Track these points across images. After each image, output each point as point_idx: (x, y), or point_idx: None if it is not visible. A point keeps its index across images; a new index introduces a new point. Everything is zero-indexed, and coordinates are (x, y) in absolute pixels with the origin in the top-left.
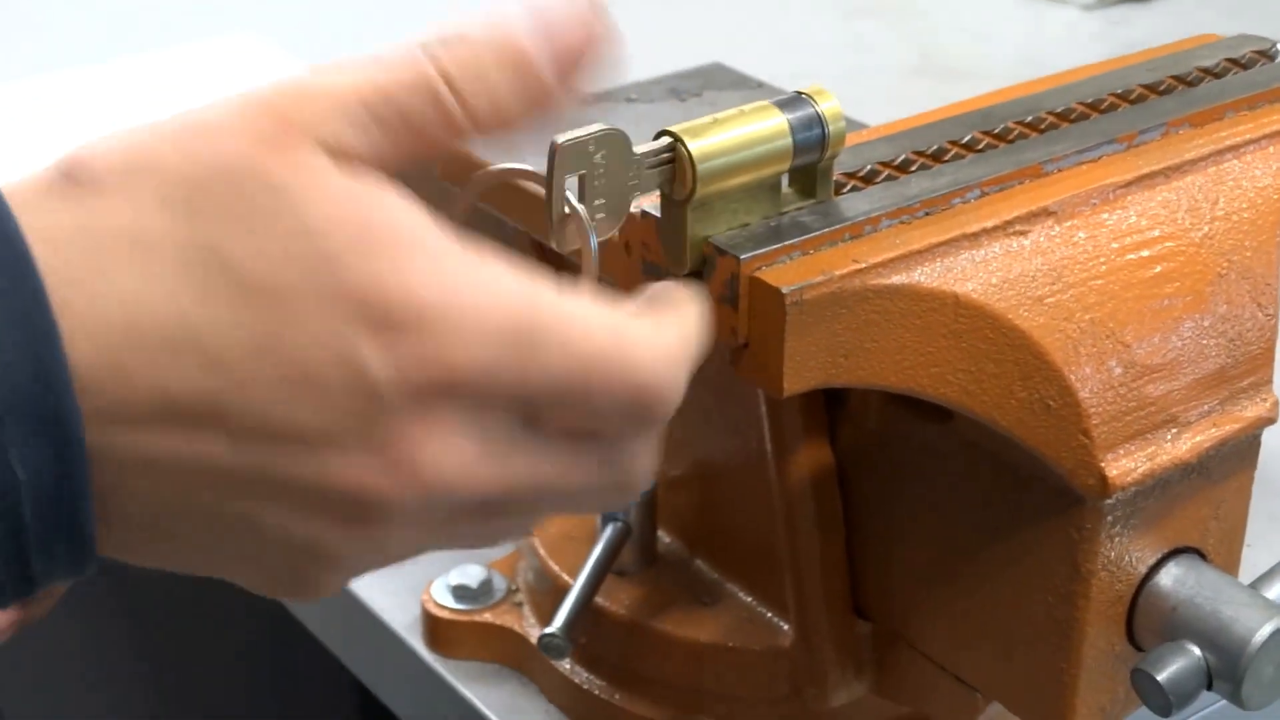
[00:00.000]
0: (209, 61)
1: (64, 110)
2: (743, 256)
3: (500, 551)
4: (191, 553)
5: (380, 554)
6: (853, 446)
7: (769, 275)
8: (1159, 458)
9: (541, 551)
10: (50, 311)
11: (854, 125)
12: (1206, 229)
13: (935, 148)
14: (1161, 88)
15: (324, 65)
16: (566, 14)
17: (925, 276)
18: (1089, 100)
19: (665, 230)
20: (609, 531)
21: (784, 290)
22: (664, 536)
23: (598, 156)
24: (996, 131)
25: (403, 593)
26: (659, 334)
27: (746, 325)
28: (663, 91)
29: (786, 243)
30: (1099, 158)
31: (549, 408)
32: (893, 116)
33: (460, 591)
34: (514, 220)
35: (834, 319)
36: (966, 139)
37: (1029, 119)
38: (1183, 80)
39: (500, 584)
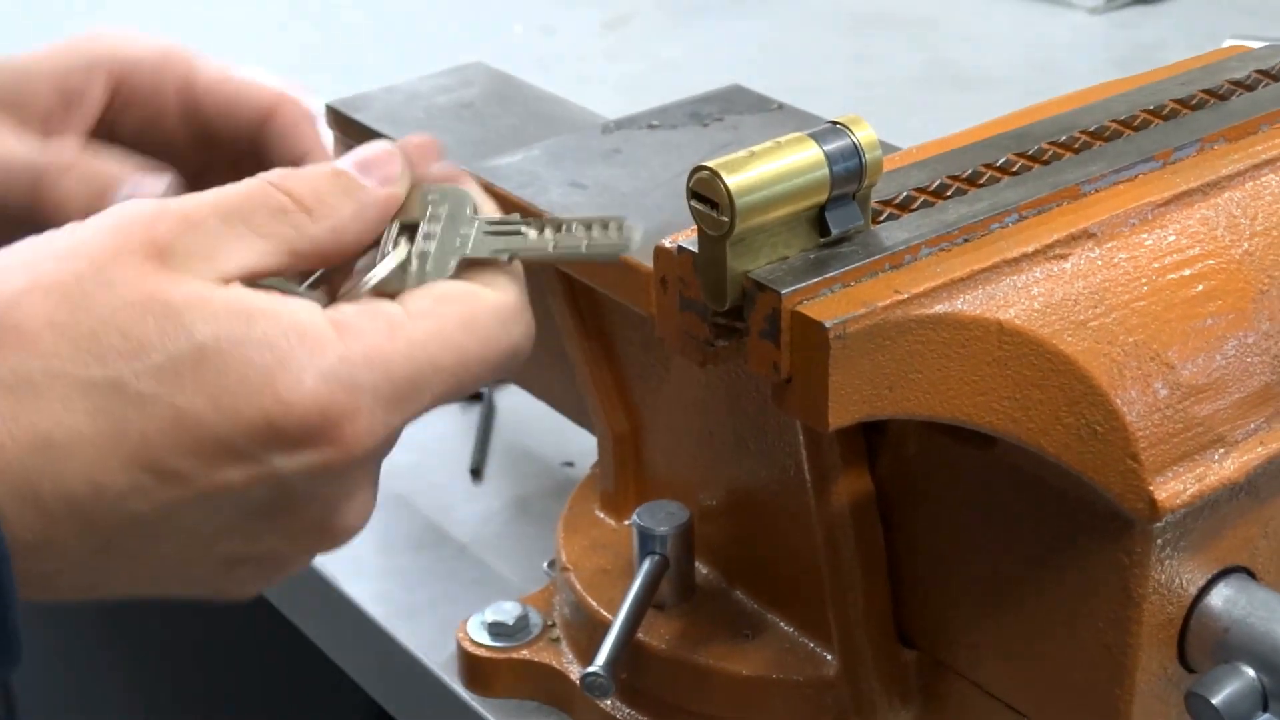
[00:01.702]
0: None
1: None
2: (784, 291)
3: (534, 586)
4: (124, 587)
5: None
6: (893, 473)
7: (811, 309)
8: (1207, 478)
9: (578, 586)
10: None
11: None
12: (1246, 245)
13: (970, 171)
14: (1194, 102)
15: (183, 196)
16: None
17: (967, 304)
18: (1122, 118)
19: (703, 266)
20: (647, 565)
21: (827, 324)
22: (701, 568)
23: (440, 209)
24: (1031, 153)
25: (437, 630)
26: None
27: (789, 360)
28: (684, 116)
29: (827, 275)
30: (1136, 176)
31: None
32: (903, 127)
33: (496, 629)
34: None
35: (877, 351)
36: (1001, 161)
37: (1063, 139)
38: (1215, 94)
39: (536, 620)
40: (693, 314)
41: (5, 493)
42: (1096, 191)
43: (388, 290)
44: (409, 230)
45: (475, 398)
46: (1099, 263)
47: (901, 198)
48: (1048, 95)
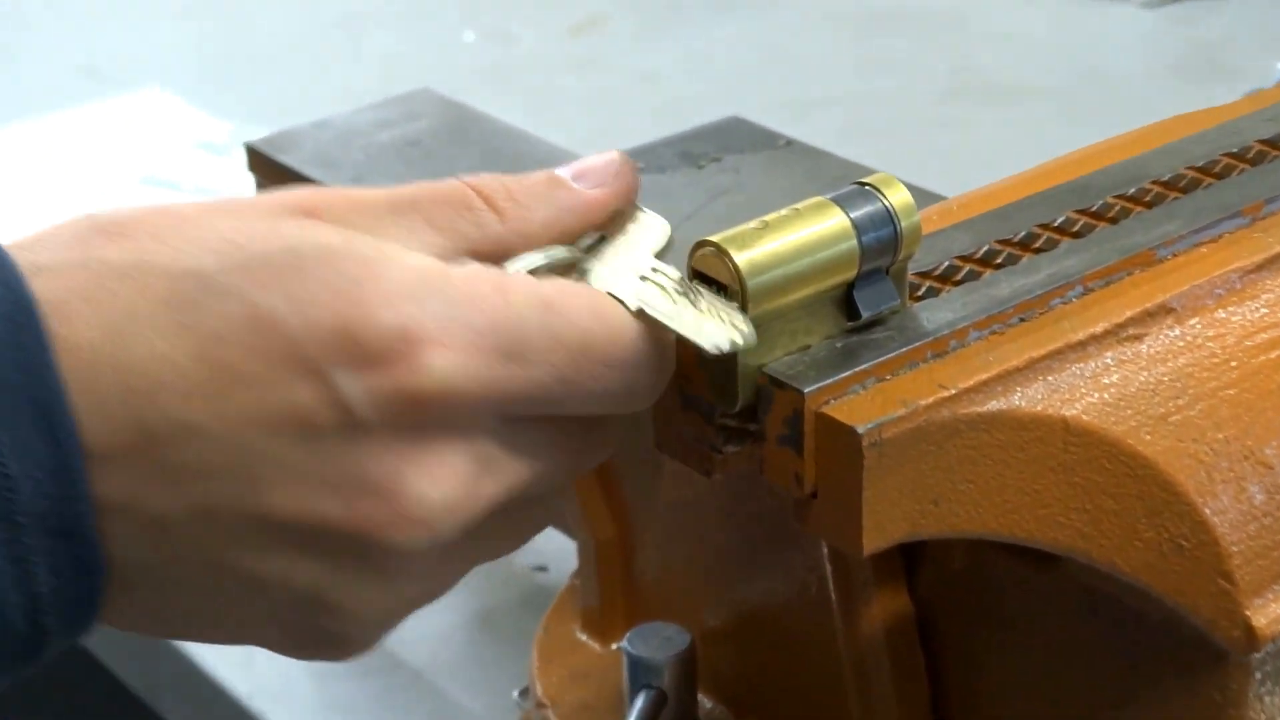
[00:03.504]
0: (116, 118)
1: None
2: (806, 389)
3: None
4: (203, 616)
5: (396, 595)
6: (936, 593)
7: (839, 410)
8: None
9: None
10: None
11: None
12: None
13: (1024, 234)
14: None
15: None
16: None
17: (1026, 400)
18: (1201, 164)
19: (710, 359)
20: (640, 701)
21: (859, 429)
22: (706, 702)
23: (635, 235)
24: (1095, 209)
25: None
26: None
27: (814, 472)
28: (675, 156)
29: (858, 368)
30: (1219, 236)
31: (536, 404)
32: (927, 148)
33: None
34: None
35: (920, 459)
36: (1060, 221)
37: (1132, 191)
38: None
39: None
40: (696, 414)
41: (70, 376)
42: (1174, 256)
43: None
44: (596, 244)
45: None
46: (1180, 343)
47: (943, 268)
48: (1096, 108)
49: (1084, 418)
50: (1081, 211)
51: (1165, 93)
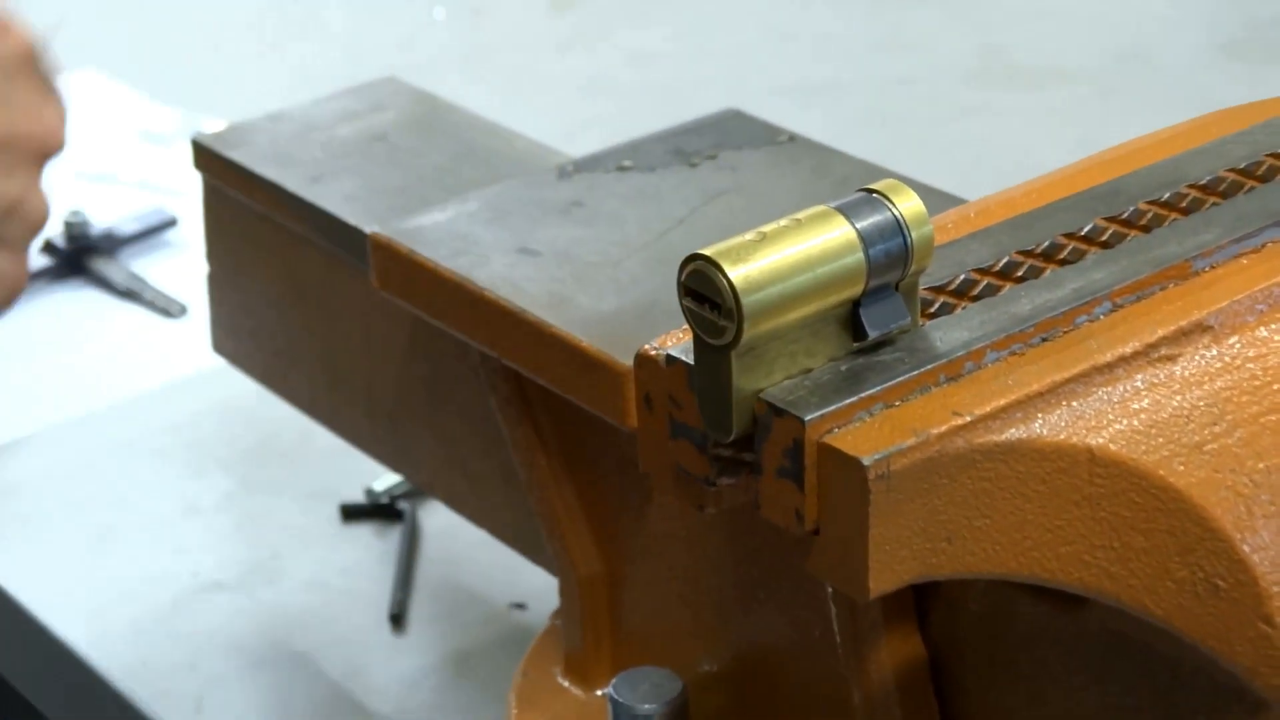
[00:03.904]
0: None
1: None
2: (807, 417)
3: None
4: None
5: None
6: (950, 635)
7: (844, 440)
8: None
9: None
10: None
11: (912, 182)
12: None
13: (1047, 244)
14: None
15: None
16: None
17: (1048, 428)
18: (1242, 166)
19: (701, 383)
20: None
21: (865, 461)
22: None
23: None
24: (1125, 216)
25: None
26: None
27: (816, 507)
28: (665, 154)
29: (864, 394)
30: (1263, 246)
31: None
32: (947, 137)
33: None
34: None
35: (932, 493)
36: (1086, 229)
37: (1166, 196)
38: None
39: None
40: (688, 443)
41: None
42: (1212, 269)
43: None
44: None
45: (394, 516)
46: (1218, 365)
47: (958, 283)
48: (1137, 95)
49: (1111, 447)
50: (1110, 219)
51: (1215, 76)
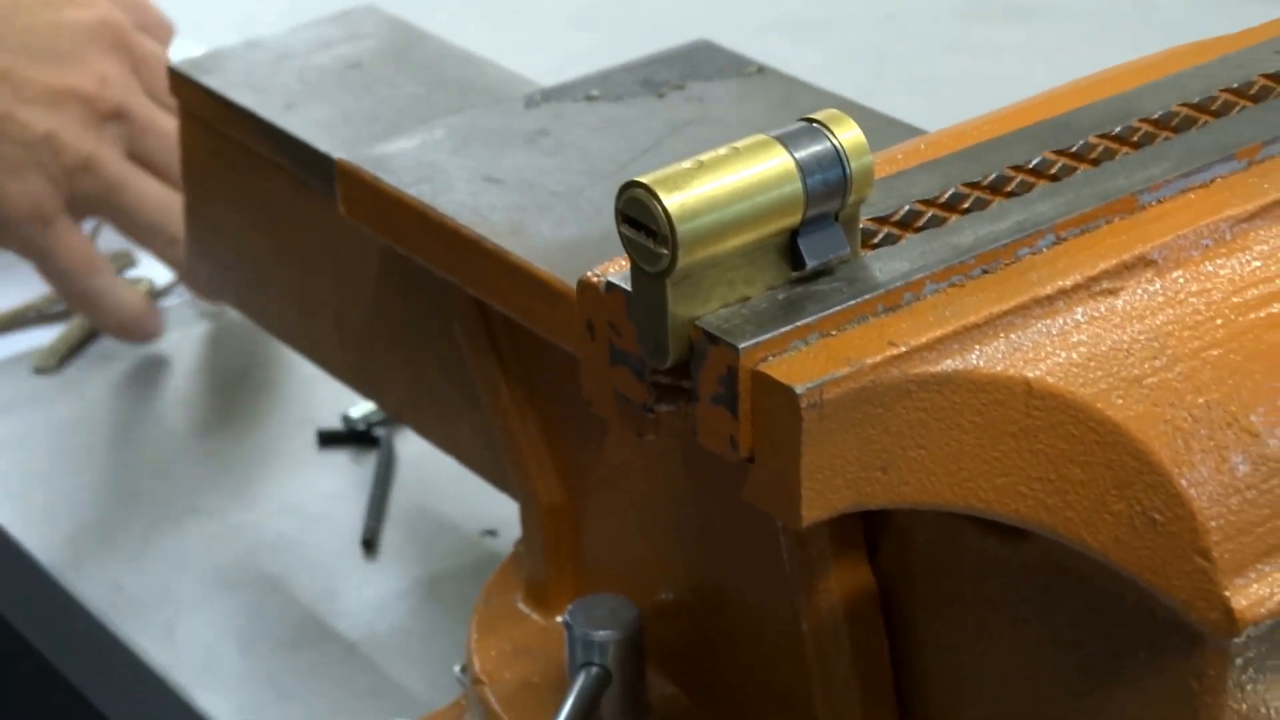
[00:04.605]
0: None
1: None
2: (742, 345)
3: (445, 697)
4: None
5: None
6: (899, 567)
7: (778, 369)
8: None
9: (494, 705)
10: None
11: (873, 114)
12: None
13: (993, 176)
14: None
15: None
16: None
17: (985, 359)
18: (1195, 100)
19: (639, 310)
20: (582, 678)
21: (798, 389)
22: (656, 682)
23: None
24: (1074, 150)
25: None
26: None
27: (750, 435)
28: (634, 83)
29: (800, 323)
30: (1211, 181)
31: None
32: (935, 76)
33: None
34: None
35: (867, 423)
36: (1034, 162)
37: (1117, 130)
38: None
39: None
40: (627, 370)
41: None
42: (1159, 203)
43: None
44: None
45: (370, 442)
46: (1160, 299)
47: (902, 214)
48: (1136, 30)
49: (1048, 379)
50: (1060, 152)
51: (1216, 13)
